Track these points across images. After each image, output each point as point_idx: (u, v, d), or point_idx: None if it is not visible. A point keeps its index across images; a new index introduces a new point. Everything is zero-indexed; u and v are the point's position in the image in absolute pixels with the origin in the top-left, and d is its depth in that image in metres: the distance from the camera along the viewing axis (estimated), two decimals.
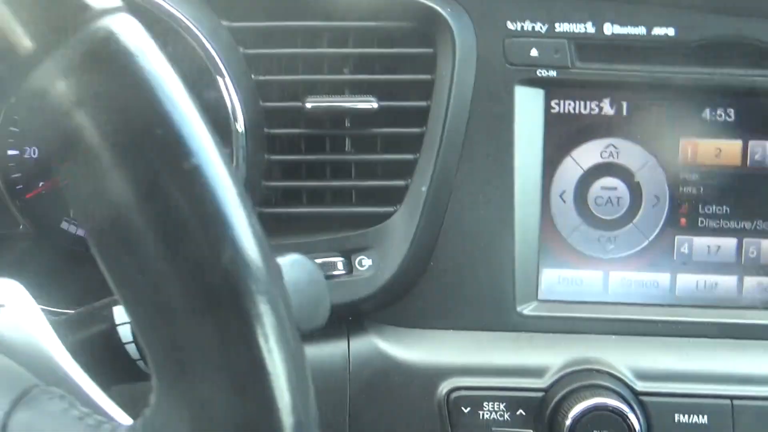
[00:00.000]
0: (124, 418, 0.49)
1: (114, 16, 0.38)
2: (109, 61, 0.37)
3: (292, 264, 0.56)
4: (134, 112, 0.37)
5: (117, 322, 0.58)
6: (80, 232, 0.86)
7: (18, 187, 0.86)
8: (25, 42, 0.36)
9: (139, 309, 0.38)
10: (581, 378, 0.78)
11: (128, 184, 0.36)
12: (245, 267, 0.38)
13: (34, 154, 0.85)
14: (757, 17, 0.80)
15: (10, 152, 0.85)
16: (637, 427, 0.76)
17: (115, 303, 0.59)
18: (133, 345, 0.57)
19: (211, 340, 0.38)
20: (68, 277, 0.83)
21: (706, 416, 0.78)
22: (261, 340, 0.38)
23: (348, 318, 0.82)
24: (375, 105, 0.79)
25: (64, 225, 0.87)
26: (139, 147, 0.37)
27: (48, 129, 0.37)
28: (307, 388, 0.42)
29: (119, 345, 0.57)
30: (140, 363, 0.58)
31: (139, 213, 0.37)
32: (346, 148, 0.83)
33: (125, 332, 0.57)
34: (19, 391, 0.43)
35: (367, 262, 0.80)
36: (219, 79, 0.76)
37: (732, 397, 0.78)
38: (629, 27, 0.80)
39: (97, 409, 0.48)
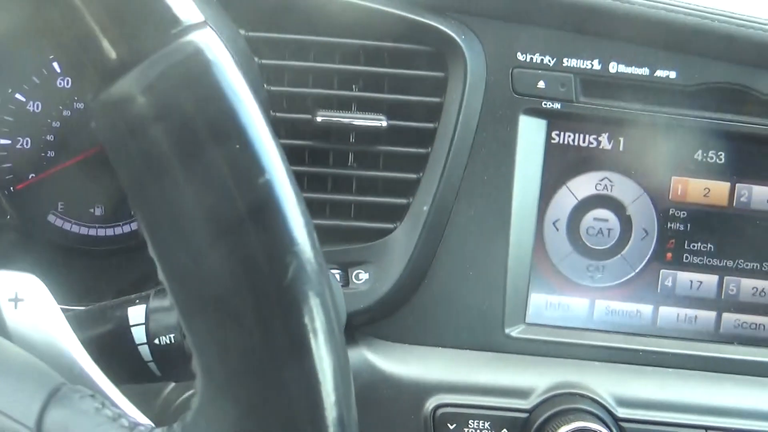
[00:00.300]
0: (145, 419, 0.50)
1: (200, 32, 0.39)
2: (194, 76, 0.39)
3: None
4: (214, 125, 0.39)
5: (131, 323, 0.58)
6: (66, 227, 0.86)
7: (7, 177, 0.86)
8: (114, 50, 0.37)
9: (196, 312, 0.40)
10: (565, 401, 0.81)
11: (199, 196, 0.38)
12: (306, 276, 0.40)
13: (27, 145, 0.85)
14: (756, 67, 0.84)
15: (2, 141, 0.84)
16: None
17: (130, 303, 0.60)
18: (146, 347, 0.58)
19: (273, 354, 0.40)
20: (54, 271, 0.83)
21: None
22: (313, 346, 0.40)
23: None
24: (384, 123, 0.81)
25: (51, 218, 0.86)
26: (213, 161, 0.38)
27: (124, 138, 0.38)
28: (349, 390, 0.43)
29: (132, 346, 0.58)
30: (151, 365, 0.59)
31: (206, 222, 0.38)
32: (349, 163, 0.84)
33: (139, 334, 0.58)
34: (49, 388, 0.44)
35: (364, 276, 0.82)
36: None
37: (706, 428, 0.82)
38: (633, 67, 0.83)
39: (121, 409, 0.49)
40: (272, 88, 0.81)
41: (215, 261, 0.38)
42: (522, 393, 0.82)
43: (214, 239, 0.38)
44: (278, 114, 0.81)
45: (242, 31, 0.80)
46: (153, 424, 0.45)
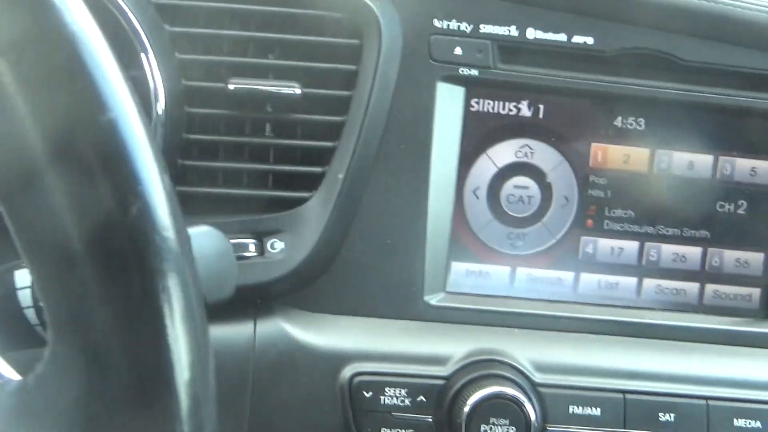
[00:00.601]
0: (14, 375, 0.49)
1: None
2: (31, 10, 0.38)
3: (201, 235, 0.57)
4: (54, 62, 0.38)
5: (17, 286, 0.58)
6: None
7: None
8: None
9: (41, 259, 0.39)
10: (482, 368, 0.81)
11: (42, 135, 0.37)
12: (153, 225, 0.39)
13: None
14: (671, 32, 0.83)
15: None
16: (533, 416, 0.78)
17: (16, 267, 0.59)
18: (32, 310, 0.58)
19: (115, 296, 0.39)
20: None
21: (599, 408, 0.81)
22: (165, 307, 0.40)
23: (257, 300, 0.83)
24: (298, 91, 0.80)
25: None
26: (54, 95, 0.37)
27: None
28: (206, 361, 0.43)
29: (18, 309, 0.58)
30: (39, 328, 0.58)
31: (49, 162, 0.37)
32: (266, 132, 0.84)
33: (25, 297, 0.58)
34: None
35: (279, 245, 0.81)
36: (142, 55, 0.76)
37: (624, 391, 0.82)
38: (551, 33, 0.83)
39: None
40: (184, 56, 0.80)
41: (53, 201, 0.37)
42: (440, 360, 0.82)
43: (54, 178, 0.37)
44: (190, 82, 0.80)
45: None
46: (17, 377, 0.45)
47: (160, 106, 0.77)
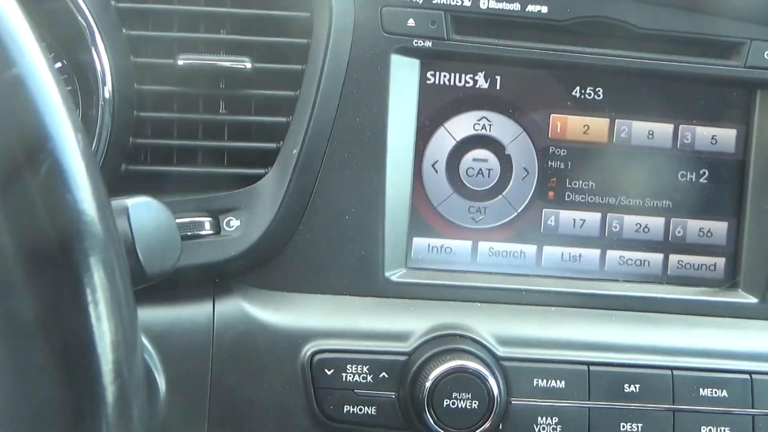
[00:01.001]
0: None
1: None
2: None
3: (139, 206, 0.56)
4: None
5: None
6: None
7: None
8: None
9: None
10: (444, 342, 0.80)
11: None
12: (65, 183, 0.38)
13: None
14: (624, 0, 0.83)
15: None
16: (496, 390, 0.77)
17: None
18: None
19: (32, 264, 0.37)
20: None
21: (563, 381, 0.80)
22: (88, 293, 0.38)
23: (215, 280, 0.81)
24: (249, 65, 0.79)
25: None
26: None
27: None
28: (134, 347, 0.41)
29: None
30: None
31: None
32: (221, 110, 0.82)
33: None
34: None
35: (235, 222, 0.80)
36: (88, 33, 0.75)
37: (589, 363, 0.81)
38: (504, 2, 0.82)
39: None
40: (133, 33, 0.79)
41: None
42: (402, 336, 0.80)
43: None
44: (139, 59, 0.79)
45: None
46: None
47: (108, 86, 0.75)
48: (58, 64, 0.81)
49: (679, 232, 0.88)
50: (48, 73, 0.39)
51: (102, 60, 0.75)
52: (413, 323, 0.81)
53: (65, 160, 0.38)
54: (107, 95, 0.76)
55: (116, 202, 0.55)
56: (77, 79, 0.81)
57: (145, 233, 0.56)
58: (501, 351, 0.80)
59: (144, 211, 0.56)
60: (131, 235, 0.55)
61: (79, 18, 0.75)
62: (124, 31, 0.79)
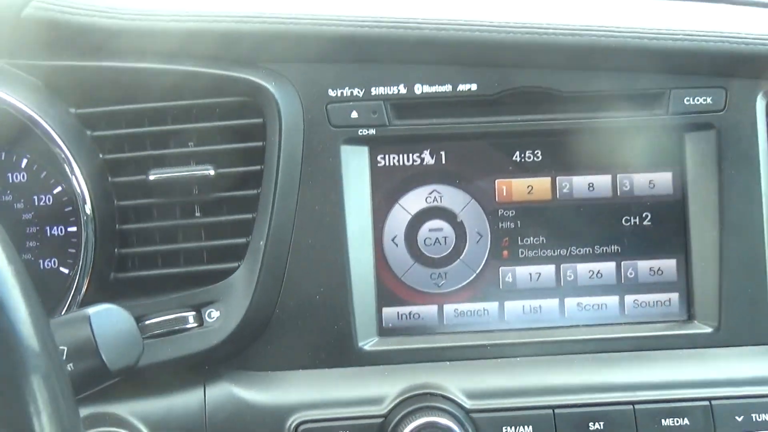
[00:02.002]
0: None
1: None
2: None
3: (100, 313, 0.65)
4: None
5: None
6: None
7: None
8: None
9: None
10: (416, 401, 0.86)
11: None
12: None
13: None
14: (547, 68, 0.91)
15: None
16: None
17: None
18: None
19: None
20: None
21: (530, 426, 0.86)
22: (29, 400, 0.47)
23: (205, 367, 0.89)
24: (212, 172, 0.89)
25: None
26: None
27: None
28: None
29: None
30: None
31: None
32: (196, 213, 0.92)
33: None
34: None
35: (215, 314, 0.88)
36: (66, 162, 0.85)
37: (554, 407, 0.87)
38: (437, 86, 0.91)
39: None
40: (108, 156, 0.89)
41: None
42: (377, 400, 0.87)
43: None
44: (115, 179, 0.89)
45: (72, 110, 0.89)
46: None
47: (88, 206, 0.85)
48: (58, 188, 0.92)
49: (631, 274, 0.94)
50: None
51: (80, 183, 0.86)
52: (387, 387, 0.88)
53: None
54: (88, 212, 0.86)
55: (79, 312, 0.65)
56: (75, 200, 0.91)
57: (106, 336, 0.65)
58: (470, 404, 0.87)
59: (104, 317, 0.66)
60: (93, 339, 0.64)
61: (56, 150, 0.86)
62: (101, 156, 0.89)
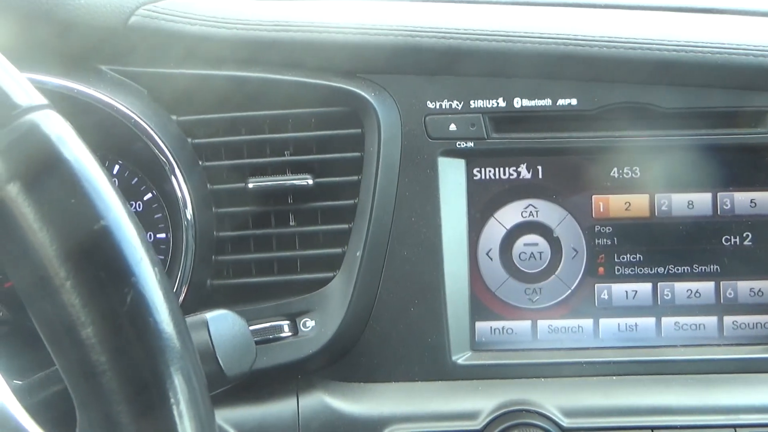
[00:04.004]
0: None
1: (39, 112, 0.47)
2: (33, 148, 0.47)
3: (217, 318, 0.65)
4: (54, 185, 0.46)
5: None
6: None
7: None
8: None
9: (61, 347, 0.47)
10: (512, 418, 0.85)
11: (49, 246, 0.45)
12: (148, 309, 0.47)
13: None
14: (649, 84, 0.90)
15: None
16: None
17: None
18: None
19: (123, 376, 0.47)
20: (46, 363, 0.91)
21: None
22: (170, 396, 0.47)
23: (298, 376, 0.89)
24: (311, 182, 0.89)
25: None
26: (57, 213, 0.46)
27: None
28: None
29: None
30: None
31: (58, 272, 0.46)
32: (291, 222, 0.92)
33: None
34: None
35: (310, 323, 0.88)
36: (169, 168, 0.86)
37: (653, 428, 0.85)
38: (536, 100, 0.90)
39: None
40: (208, 164, 0.90)
41: (61, 303, 0.45)
42: (471, 415, 0.86)
43: (62, 286, 0.45)
44: (215, 186, 0.90)
45: (173, 117, 0.90)
46: None
47: (189, 211, 0.86)
48: (149, 195, 0.93)
49: (730, 294, 0.92)
50: (129, 223, 0.48)
51: (183, 190, 0.87)
52: (481, 402, 0.87)
53: (147, 289, 0.47)
54: (189, 218, 0.87)
55: (198, 317, 0.65)
56: (166, 206, 0.93)
57: (223, 341, 0.65)
58: (567, 422, 0.85)
59: (221, 323, 0.66)
60: (211, 344, 0.64)
61: (161, 156, 0.87)
62: (200, 163, 0.90)
